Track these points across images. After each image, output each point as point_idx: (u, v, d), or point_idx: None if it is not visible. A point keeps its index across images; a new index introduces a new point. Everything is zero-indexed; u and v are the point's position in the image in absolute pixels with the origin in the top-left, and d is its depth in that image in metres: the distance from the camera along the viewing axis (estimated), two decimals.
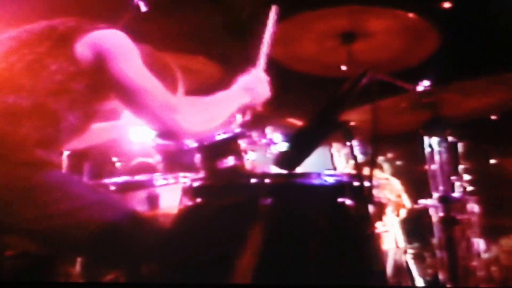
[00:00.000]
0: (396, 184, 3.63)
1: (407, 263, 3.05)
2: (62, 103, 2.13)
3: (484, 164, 3.23)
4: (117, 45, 2.18)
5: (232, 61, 3.37)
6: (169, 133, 2.23)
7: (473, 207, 2.87)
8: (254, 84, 2.47)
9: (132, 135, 2.72)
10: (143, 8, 2.94)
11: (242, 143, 2.60)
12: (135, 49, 2.20)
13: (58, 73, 2.13)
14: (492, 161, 3.37)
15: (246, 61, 2.57)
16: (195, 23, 3.71)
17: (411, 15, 2.67)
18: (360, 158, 2.39)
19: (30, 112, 2.08)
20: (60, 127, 2.15)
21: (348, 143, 2.37)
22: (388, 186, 3.03)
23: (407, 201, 3.40)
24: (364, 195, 2.32)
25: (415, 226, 2.89)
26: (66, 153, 2.91)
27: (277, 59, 3.02)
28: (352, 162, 2.39)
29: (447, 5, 3.56)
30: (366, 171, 2.29)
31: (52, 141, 2.14)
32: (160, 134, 2.30)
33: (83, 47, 2.15)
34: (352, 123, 2.45)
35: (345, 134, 2.41)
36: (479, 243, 2.89)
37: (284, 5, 2.50)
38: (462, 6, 3.51)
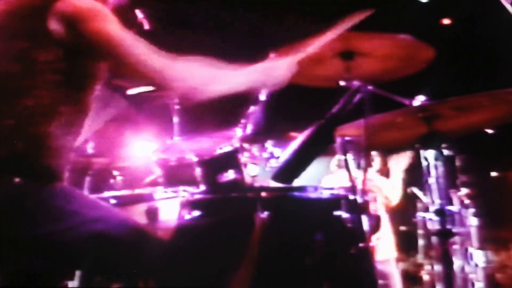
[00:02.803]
0: (380, 181, 3.61)
1: (408, 274, 3.08)
2: (66, 91, 2.10)
3: (481, 177, 3.25)
4: (86, 8, 2.11)
5: None
6: (159, 82, 2.18)
7: (471, 219, 2.90)
8: (273, 67, 2.36)
9: (134, 149, 2.77)
10: (146, 26, 3.00)
11: (242, 157, 2.63)
12: (104, 8, 2.15)
13: (54, 61, 2.08)
14: (491, 173, 3.41)
15: None
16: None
17: (407, 37, 2.72)
18: (355, 171, 2.43)
19: (49, 111, 2.06)
20: (74, 121, 2.13)
21: (343, 157, 2.42)
22: (374, 188, 3.04)
23: (393, 196, 3.38)
24: (358, 208, 2.36)
25: (412, 238, 2.93)
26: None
27: None
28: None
29: (446, 21, 3.60)
30: (360, 184, 2.34)
31: (67, 147, 2.12)
32: (148, 82, 2.25)
33: (55, 22, 2.08)
34: (347, 138, 2.50)
35: (340, 148, 2.46)
36: (477, 255, 2.91)
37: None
38: (458, 23, 3.55)
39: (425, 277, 3.08)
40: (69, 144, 2.14)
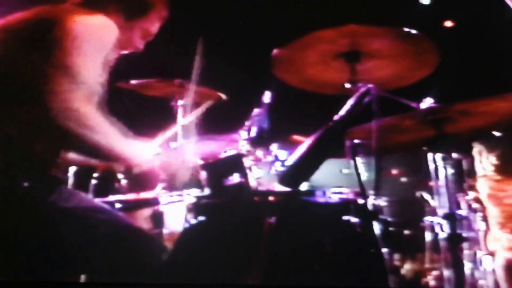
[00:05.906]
0: None
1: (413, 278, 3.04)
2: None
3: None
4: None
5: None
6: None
7: (479, 224, 2.86)
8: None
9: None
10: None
11: (247, 161, 2.61)
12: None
13: None
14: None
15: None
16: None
17: (413, 32, 2.69)
18: (365, 175, 2.40)
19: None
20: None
21: (352, 161, 2.38)
22: None
23: None
24: (369, 213, 2.33)
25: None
26: (73, 169, 2.94)
27: (283, 78, 3.04)
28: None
29: (448, 24, 3.59)
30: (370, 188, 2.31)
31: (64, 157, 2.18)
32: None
33: None
34: (357, 141, 2.47)
35: (349, 152, 2.43)
36: (487, 260, 2.87)
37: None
38: (464, 25, 3.54)
39: (432, 282, 3.05)
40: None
